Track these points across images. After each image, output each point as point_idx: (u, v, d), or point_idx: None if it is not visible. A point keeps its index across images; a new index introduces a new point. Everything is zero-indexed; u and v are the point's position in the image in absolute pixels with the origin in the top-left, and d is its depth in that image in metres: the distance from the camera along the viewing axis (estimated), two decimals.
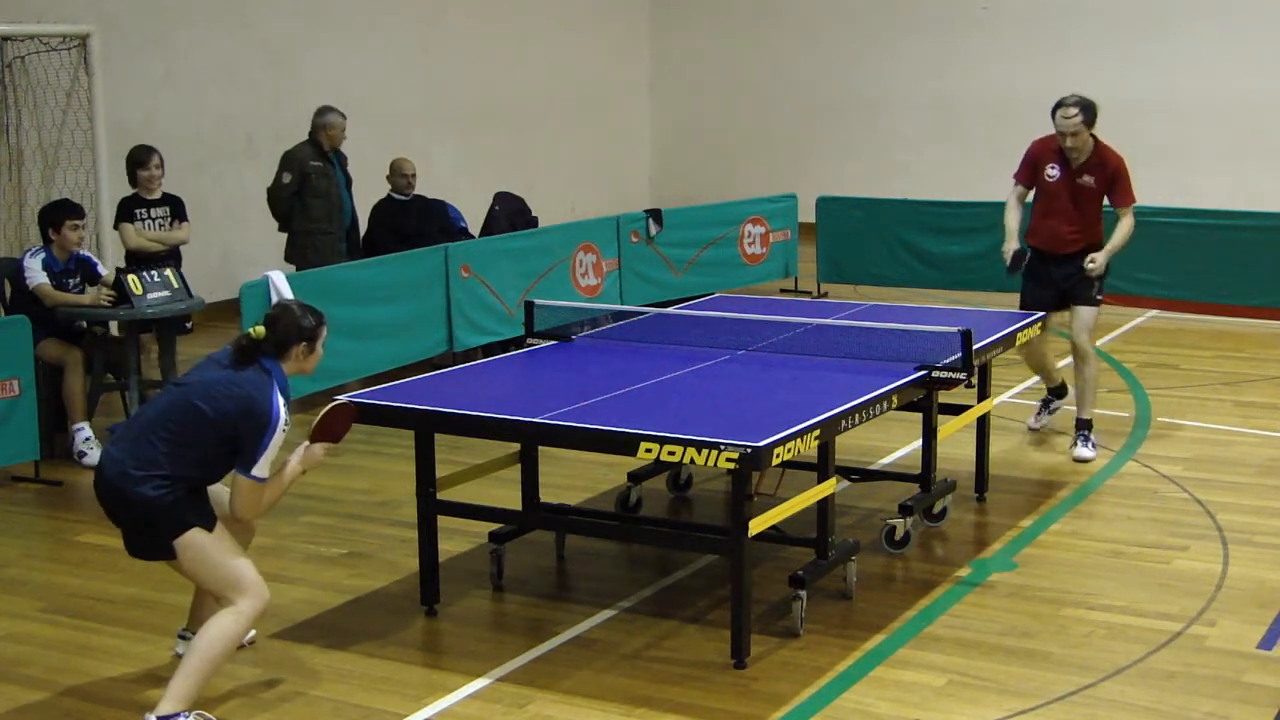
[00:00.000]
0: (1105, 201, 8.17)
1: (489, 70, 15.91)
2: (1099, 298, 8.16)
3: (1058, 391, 8.65)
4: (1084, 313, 8.14)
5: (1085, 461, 8.06)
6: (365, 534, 7.13)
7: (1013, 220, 8.19)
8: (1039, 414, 8.72)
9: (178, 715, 4.86)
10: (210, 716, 4.97)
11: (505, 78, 16.11)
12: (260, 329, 5.07)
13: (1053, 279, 8.15)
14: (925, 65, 17.07)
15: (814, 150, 17.65)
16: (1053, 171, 8.04)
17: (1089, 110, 7.86)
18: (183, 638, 5.56)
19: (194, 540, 4.96)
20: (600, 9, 17.93)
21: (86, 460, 8.30)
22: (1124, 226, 8.07)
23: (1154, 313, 12.11)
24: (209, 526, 5.00)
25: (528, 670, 5.45)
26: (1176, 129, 15.70)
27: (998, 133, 16.36)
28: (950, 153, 16.81)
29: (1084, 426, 8.16)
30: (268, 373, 5.02)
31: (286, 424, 4.97)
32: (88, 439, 8.39)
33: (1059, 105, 7.92)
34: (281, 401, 4.98)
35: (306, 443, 5.22)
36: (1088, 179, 7.98)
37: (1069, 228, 8.06)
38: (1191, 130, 15.72)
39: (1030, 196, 8.27)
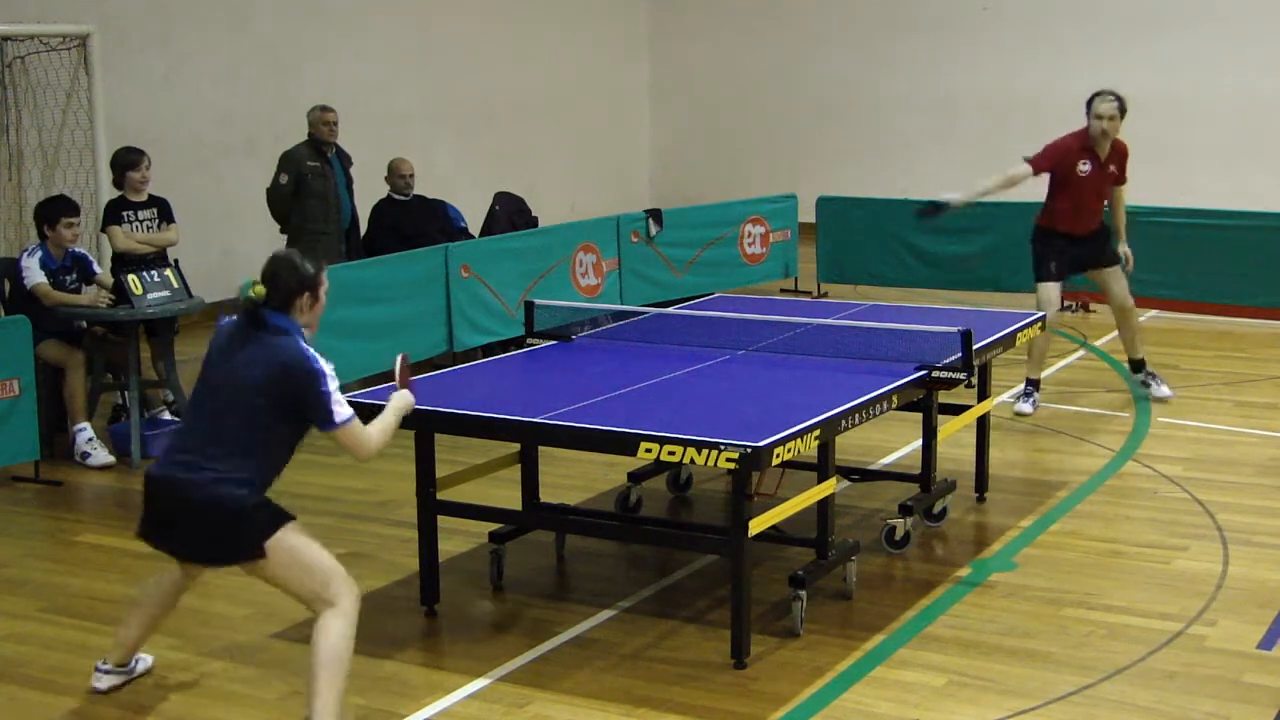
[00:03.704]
0: None
1: (489, 70, 15.91)
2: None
3: (1037, 383, 9.15)
4: (1117, 274, 9.09)
5: (1164, 400, 9.18)
6: (365, 534, 7.13)
7: (985, 185, 8.86)
8: (1027, 399, 9.10)
9: None
10: None
11: (505, 78, 16.11)
12: (260, 288, 4.82)
13: (1075, 254, 9.03)
14: (925, 65, 17.07)
15: (814, 150, 17.65)
16: (1085, 167, 8.82)
17: (1124, 103, 8.78)
18: (102, 671, 5.33)
19: (287, 538, 4.79)
20: (600, 9, 17.93)
21: (90, 461, 8.31)
22: (1122, 205, 9.20)
23: (1154, 313, 12.10)
24: (294, 520, 4.85)
25: (528, 670, 5.45)
26: (1176, 129, 15.68)
27: (998, 133, 16.37)
28: (950, 153, 16.80)
29: (1140, 366, 9.30)
30: (285, 332, 4.83)
31: (328, 364, 4.80)
32: (90, 439, 8.39)
33: (1098, 94, 8.80)
34: (309, 349, 4.82)
35: (395, 390, 5.16)
36: (1112, 168, 8.93)
37: (1097, 215, 9.05)
38: (1191, 130, 15.72)
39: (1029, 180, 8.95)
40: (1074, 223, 8.95)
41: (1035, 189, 9.05)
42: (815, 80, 17.66)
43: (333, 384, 4.78)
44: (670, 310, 7.60)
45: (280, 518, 4.84)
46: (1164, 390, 9.26)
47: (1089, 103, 8.79)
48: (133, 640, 5.33)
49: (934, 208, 8.88)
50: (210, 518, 4.77)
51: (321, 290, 4.97)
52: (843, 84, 17.52)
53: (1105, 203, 9.07)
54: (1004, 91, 16.51)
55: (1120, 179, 9.02)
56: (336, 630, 4.78)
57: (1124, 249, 9.11)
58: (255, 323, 4.85)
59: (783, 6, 17.78)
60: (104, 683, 5.34)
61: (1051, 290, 8.94)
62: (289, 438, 4.89)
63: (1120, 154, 8.95)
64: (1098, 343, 11.16)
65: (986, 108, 16.70)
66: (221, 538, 4.81)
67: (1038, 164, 8.83)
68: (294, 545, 4.82)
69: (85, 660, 5.62)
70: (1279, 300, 11.66)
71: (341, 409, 4.79)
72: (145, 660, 5.49)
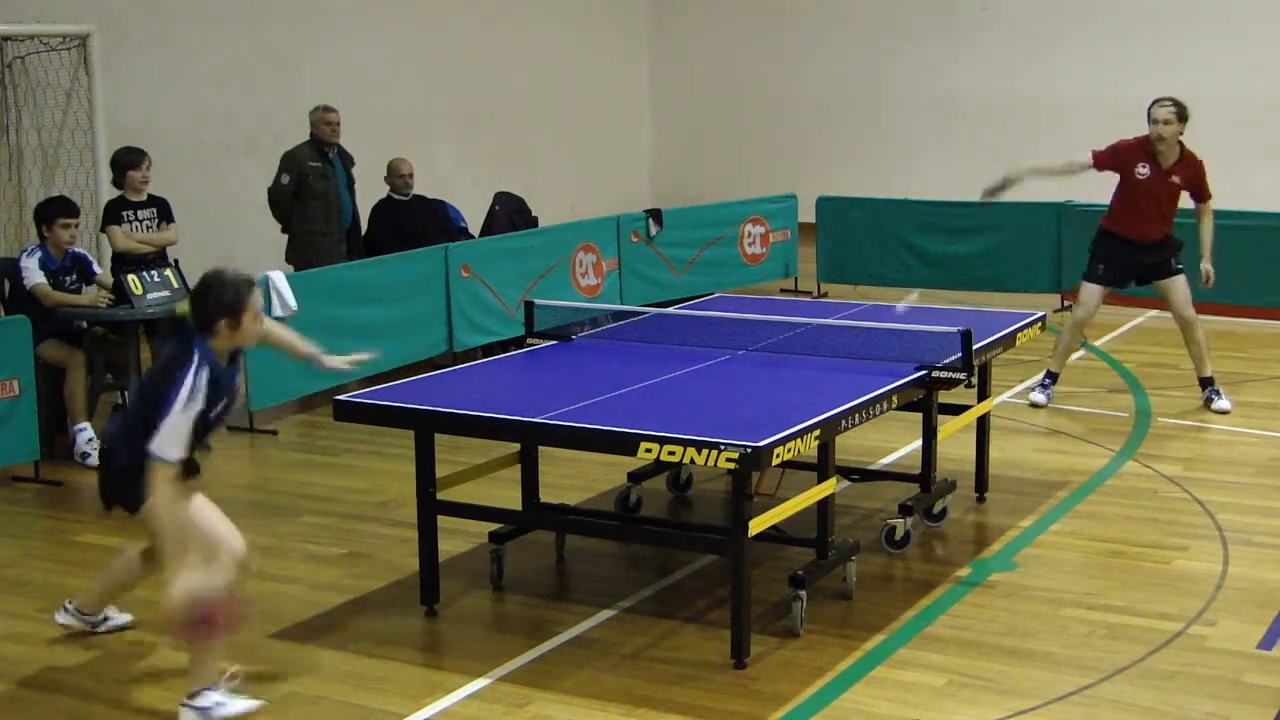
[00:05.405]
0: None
1: (489, 70, 15.90)
2: (1180, 266, 9.00)
3: (1055, 377, 9.28)
4: (1179, 283, 8.95)
5: (1225, 413, 8.93)
6: (365, 534, 7.13)
7: (1044, 164, 9.02)
8: (1043, 390, 9.29)
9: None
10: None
11: (505, 78, 16.11)
12: (184, 306, 5.11)
13: (1136, 262, 9.00)
14: (925, 65, 17.06)
15: (814, 150, 17.64)
16: (1144, 170, 8.82)
17: (1182, 109, 8.83)
18: (67, 609, 5.80)
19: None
20: (600, 9, 17.92)
21: (90, 461, 8.31)
22: (1210, 223, 8.97)
23: (1154, 313, 12.09)
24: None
25: (528, 670, 5.46)
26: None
27: (998, 133, 16.36)
28: (950, 153, 16.79)
29: (1208, 384, 9.08)
30: (189, 349, 4.94)
31: (192, 399, 4.82)
32: (90, 439, 8.38)
33: (1155, 102, 8.85)
34: (195, 379, 4.85)
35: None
36: (1176, 179, 8.87)
37: (1158, 222, 8.94)
38: (1192, 130, 15.68)
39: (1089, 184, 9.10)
40: (1132, 227, 8.90)
41: (1044, 189, 8.99)
42: (815, 80, 17.65)
43: (173, 417, 4.83)
44: (670, 310, 7.60)
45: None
46: (1224, 403, 9.04)
47: (1149, 109, 8.83)
48: (97, 595, 5.73)
49: (1000, 188, 8.77)
50: (111, 468, 5.23)
51: (245, 316, 5.02)
52: (843, 84, 17.51)
53: (1170, 217, 8.97)
54: (1004, 91, 16.49)
55: (1198, 195, 8.92)
56: (180, 583, 4.91)
57: (1205, 266, 8.95)
58: (175, 334, 5.12)
59: (783, 6, 17.77)
60: (62, 618, 5.74)
61: (1092, 291, 9.03)
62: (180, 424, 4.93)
63: (1191, 167, 8.87)
64: (1098, 343, 11.17)
65: (986, 108, 16.69)
66: (116, 485, 5.23)
67: (1098, 158, 8.87)
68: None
69: (85, 660, 5.62)
70: (1279, 300, 11.66)
71: (162, 443, 4.83)
72: (118, 618, 5.81)
